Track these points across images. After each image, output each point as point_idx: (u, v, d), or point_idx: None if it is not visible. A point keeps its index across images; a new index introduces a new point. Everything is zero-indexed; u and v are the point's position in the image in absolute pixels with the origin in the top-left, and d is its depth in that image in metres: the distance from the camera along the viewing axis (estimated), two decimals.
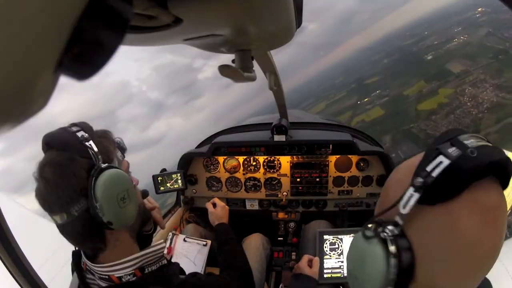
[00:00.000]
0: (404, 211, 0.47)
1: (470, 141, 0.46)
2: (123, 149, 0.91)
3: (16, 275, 1.01)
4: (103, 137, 0.84)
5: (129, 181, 0.81)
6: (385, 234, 0.49)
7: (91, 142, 0.77)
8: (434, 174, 0.45)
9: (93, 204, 0.73)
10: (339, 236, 1.56)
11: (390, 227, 0.49)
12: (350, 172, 2.22)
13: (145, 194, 1.12)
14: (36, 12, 0.18)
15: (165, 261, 0.92)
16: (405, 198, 0.47)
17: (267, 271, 1.95)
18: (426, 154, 0.48)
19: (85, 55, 0.23)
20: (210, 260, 1.75)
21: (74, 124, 0.80)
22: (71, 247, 0.86)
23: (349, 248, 0.58)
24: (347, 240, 1.55)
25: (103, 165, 0.76)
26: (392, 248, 0.48)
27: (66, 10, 0.20)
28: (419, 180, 0.46)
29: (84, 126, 0.80)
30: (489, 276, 0.64)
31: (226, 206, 1.68)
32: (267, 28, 0.69)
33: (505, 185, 0.48)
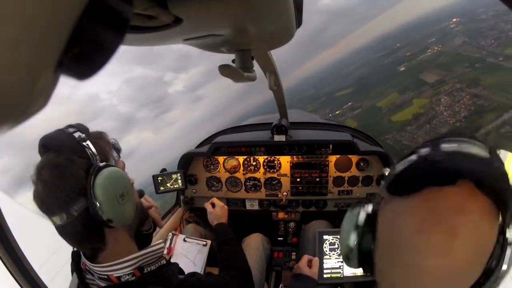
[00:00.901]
0: (381, 191, 0.54)
1: (450, 145, 0.45)
2: (118, 150, 0.92)
3: (16, 275, 1.01)
4: (99, 138, 0.85)
5: (127, 178, 0.82)
6: (363, 206, 0.60)
7: (88, 142, 0.78)
8: (399, 167, 0.47)
9: (93, 202, 0.73)
10: (339, 236, 1.56)
11: (369, 205, 0.59)
12: (350, 172, 2.22)
13: (141, 193, 1.13)
14: (36, 12, 0.18)
15: (164, 261, 0.92)
16: (383, 182, 0.53)
17: (267, 271, 1.95)
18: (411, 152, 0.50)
19: (85, 55, 0.23)
20: (210, 260, 1.75)
21: (70, 126, 0.80)
22: (71, 247, 0.86)
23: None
24: None
25: (101, 164, 0.77)
26: (361, 217, 0.59)
27: (66, 10, 0.20)
28: (387, 169, 0.51)
29: (80, 127, 0.80)
30: None
31: (225, 206, 1.68)
32: (267, 28, 0.69)
33: (498, 202, 0.43)
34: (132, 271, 0.83)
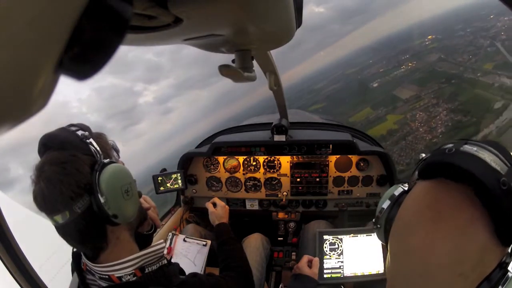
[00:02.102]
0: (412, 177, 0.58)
1: (470, 147, 0.46)
2: (117, 150, 0.92)
3: (16, 275, 1.01)
4: (100, 138, 0.85)
5: (130, 175, 0.83)
6: (401, 185, 0.66)
7: (91, 139, 0.78)
8: (430, 155, 0.53)
9: (98, 198, 0.73)
10: (339, 236, 1.56)
11: (404, 185, 0.66)
12: (350, 172, 2.22)
13: (139, 194, 1.14)
14: (36, 12, 0.18)
15: (165, 261, 0.92)
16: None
17: (267, 271, 1.95)
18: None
19: (85, 55, 0.23)
20: (210, 260, 1.75)
21: (72, 125, 0.80)
22: (71, 247, 0.86)
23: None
24: (347, 240, 1.55)
25: (106, 160, 0.77)
26: (395, 193, 0.65)
27: (66, 10, 0.20)
28: (422, 154, 0.59)
29: (82, 126, 0.80)
30: None
31: (226, 206, 1.68)
32: (267, 28, 0.69)
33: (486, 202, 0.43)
34: (133, 271, 0.82)
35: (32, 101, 0.21)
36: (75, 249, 0.88)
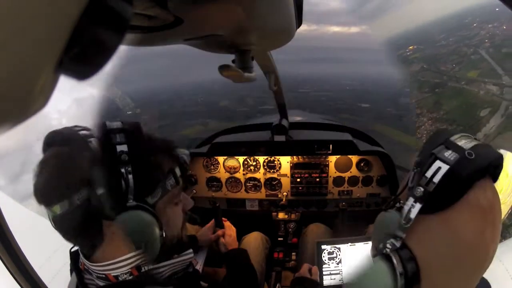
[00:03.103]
0: (406, 223, 0.46)
1: (464, 142, 0.45)
2: (184, 167, 0.92)
3: (16, 275, 1.01)
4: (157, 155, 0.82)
5: (152, 230, 0.79)
6: (387, 249, 0.48)
7: (93, 139, 0.78)
8: (435, 180, 0.44)
9: (96, 193, 0.71)
10: (337, 246, 1.58)
11: (390, 241, 0.48)
12: (350, 172, 2.21)
13: (195, 220, 1.07)
14: (36, 12, 0.18)
15: (191, 269, 0.90)
16: (405, 209, 0.46)
17: (267, 271, 1.95)
18: (421, 162, 0.47)
19: (85, 55, 0.23)
20: (209, 261, 1.75)
21: (76, 126, 0.80)
22: (69, 246, 0.86)
23: (374, 226, 0.58)
24: (345, 249, 1.57)
25: (131, 203, 0.74)
26: (396, 261, 0.46)
27: (66, 10, 0.20)
28: (420, 189, 0.45)
29: (86, 128, 0.80)
30: (489, 276, 0.64)
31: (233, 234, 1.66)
32: (267, 28, 0.69)
33: (495, 179, 0.48)
34: (129, 270, 0.81)
35: (32, 100, 0.21)
36: (73, 249, 0.88)
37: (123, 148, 0.67)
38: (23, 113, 0.21)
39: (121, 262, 0.81)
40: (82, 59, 0.23)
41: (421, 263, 0.46)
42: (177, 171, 0.78)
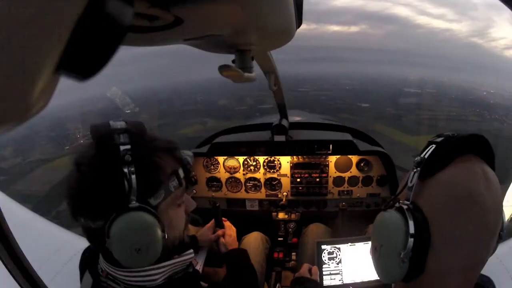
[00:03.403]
0: (411, 184, 0.59)
1: (453, 133, 0.60)
2: (187, 169, 0.89)
3: (16, 275, 1.01)
4: (158, 157, 0.76)
5: (154, 232, 0.73)
6: (399, 204, 0.60)
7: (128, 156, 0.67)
8: (427, 154, 0.58)
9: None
10: (337, 246, 1.59)
11: (402, 201, 0.60)
12: (350, 172, 2.21)
13: (197, 221, 1.04)
14: (37, 13, 0.18)
15: (191, 269, 0.88)
16: (410, 175, 0.60)
17: (267, 271, 1.95)
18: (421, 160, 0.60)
19: (85, 55, 0.23)
20: (209, 261, 1.75)
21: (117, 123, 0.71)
22: (71, 247, 0.85)
23: (373, 226, 0.66)
24: (345, 249, 1.57)
25: (133, 205, 0.69)
26: (406, 210, 0.57)
27: (66, 10, 0.20)
28: (417, 159, 0.59)
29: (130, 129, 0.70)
30: (489, 276, 0.64)
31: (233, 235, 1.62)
32: (267, 28, 0.69)
33: (490, 163, 0.59)
34: (164, 280, 0.76)
35: (33, 101, 0.21)
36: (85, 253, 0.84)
37: (126, 148, 0.64)
38: (24, 114, 0.21)
39: (156, 270, 0.74)
40: (82, 59, 0.23)
41: (426, 214, 0.57)
42: (181, 173, 0.76)
